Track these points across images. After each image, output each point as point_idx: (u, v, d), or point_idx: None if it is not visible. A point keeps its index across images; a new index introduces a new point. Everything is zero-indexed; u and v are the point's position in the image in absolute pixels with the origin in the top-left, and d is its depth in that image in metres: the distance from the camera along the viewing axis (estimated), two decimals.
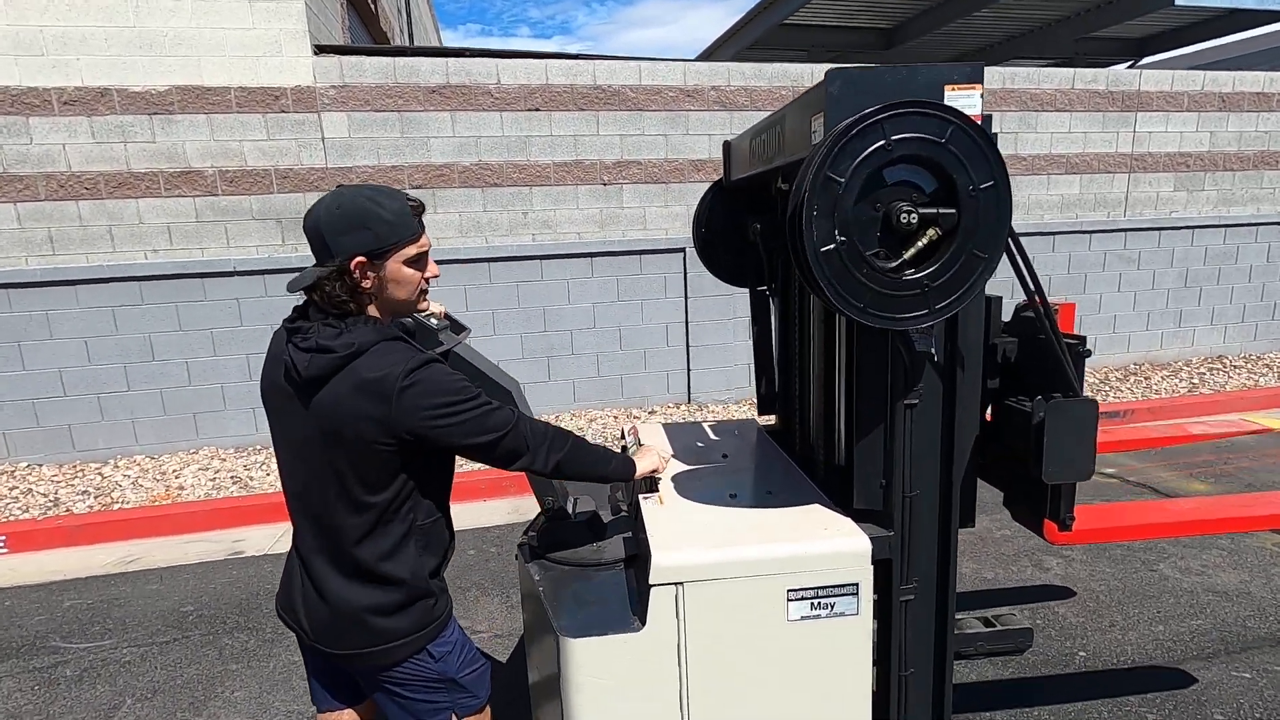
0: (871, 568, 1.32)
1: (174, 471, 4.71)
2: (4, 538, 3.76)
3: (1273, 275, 7.00)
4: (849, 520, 1.40)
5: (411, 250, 1.26)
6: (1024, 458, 1.37)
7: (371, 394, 1.18)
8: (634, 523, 1.62)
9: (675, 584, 1.28)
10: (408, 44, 11.12)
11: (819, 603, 1.30)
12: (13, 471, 4.77)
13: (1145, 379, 6.24)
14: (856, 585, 1.31)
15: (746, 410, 5.77)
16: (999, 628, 1.72)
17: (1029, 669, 2.42)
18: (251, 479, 4.54)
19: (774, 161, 1.54)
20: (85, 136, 4.90)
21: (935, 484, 1.38)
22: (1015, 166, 6.41)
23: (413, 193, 5.34)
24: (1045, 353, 1.38)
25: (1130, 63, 11.79)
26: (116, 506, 4.18)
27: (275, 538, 3.82)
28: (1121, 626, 2.65)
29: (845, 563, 1.30)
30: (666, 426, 2.13)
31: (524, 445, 1.31)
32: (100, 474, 4.71)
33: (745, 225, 2.04)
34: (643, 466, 1.56)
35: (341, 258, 1.20)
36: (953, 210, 1.14)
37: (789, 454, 1.87)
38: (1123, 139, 6.62)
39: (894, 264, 1.15)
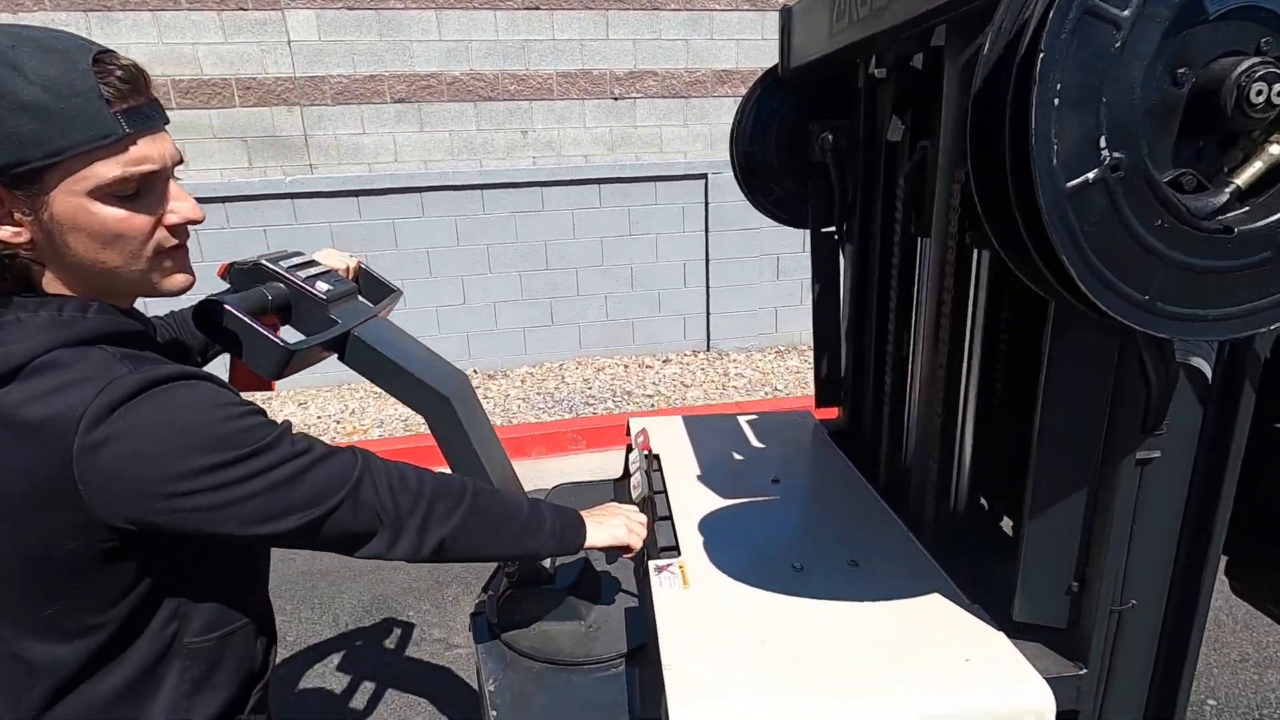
0: None
1: None
2: None
3: None
4: (1003, 640, 0.83)
5: (108, 169, 0.64)
6: None
7: (29, 458, 0.62)
8: (643, 601, 1.07)
9: None
10: None
11: None
12: None
13: None
14: None
15: (772, 360, 5.19)
16: None
17: None
18: None
19: (884, 20, 0.90)
20: None
21: (1163, 590, 0.80)
22: None
23: (394, 108, 4.64)
24: None
25: None
26: None
27: None
28: (1256, 663, 2.12)
29: None
30: (689, 422, 1.55)
31: (372, 521, 0.75)
32: None
33: (809, 137, 1.40)
34: (598, 537, 0.97)
35: None
36: None
37: (861, 468, 1.30)
38: None
39: (1221, 200, 0.53)
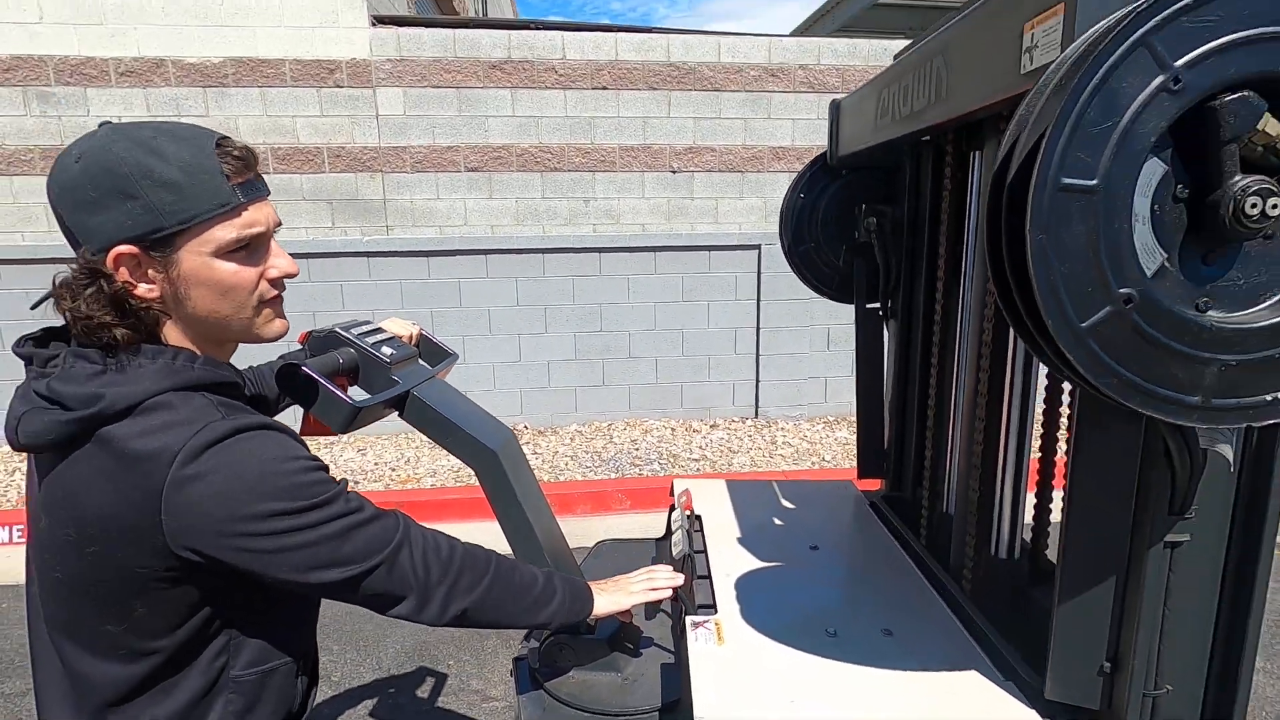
0: None
1: None
2: (22, 527, 3.57)
3: None
4: (1035, 718, 0.83)
5: (227, 232, 0.76)
6: None
7: (128, 485, 0.71)
8: (678, 658, 1.10)
9: None
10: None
11: None
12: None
13: None
14: None
15: (820, 431, 5.15)
16: None
17: None
18: None
19: (925, 118, 0.98)
20: (140, 108, 4.71)
21: (1201, 675, 0.80)
22: None
23: (467, 176, 4.96)
24: None
25: None
26: None
27: None
28: None
29: None
30: (732, 486, 1.59)
31: (405, 587, 0.82)
32: None
33: (855, 218, 1.48)
34: (606, 605, 1.04)
35: (93, 248, 0.72)
36: None
37: (900, 538, 1.31)
38: None
39: (1233, 296, 0.58)
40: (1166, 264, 0.57)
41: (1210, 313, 0.57)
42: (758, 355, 5.31)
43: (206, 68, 4.69)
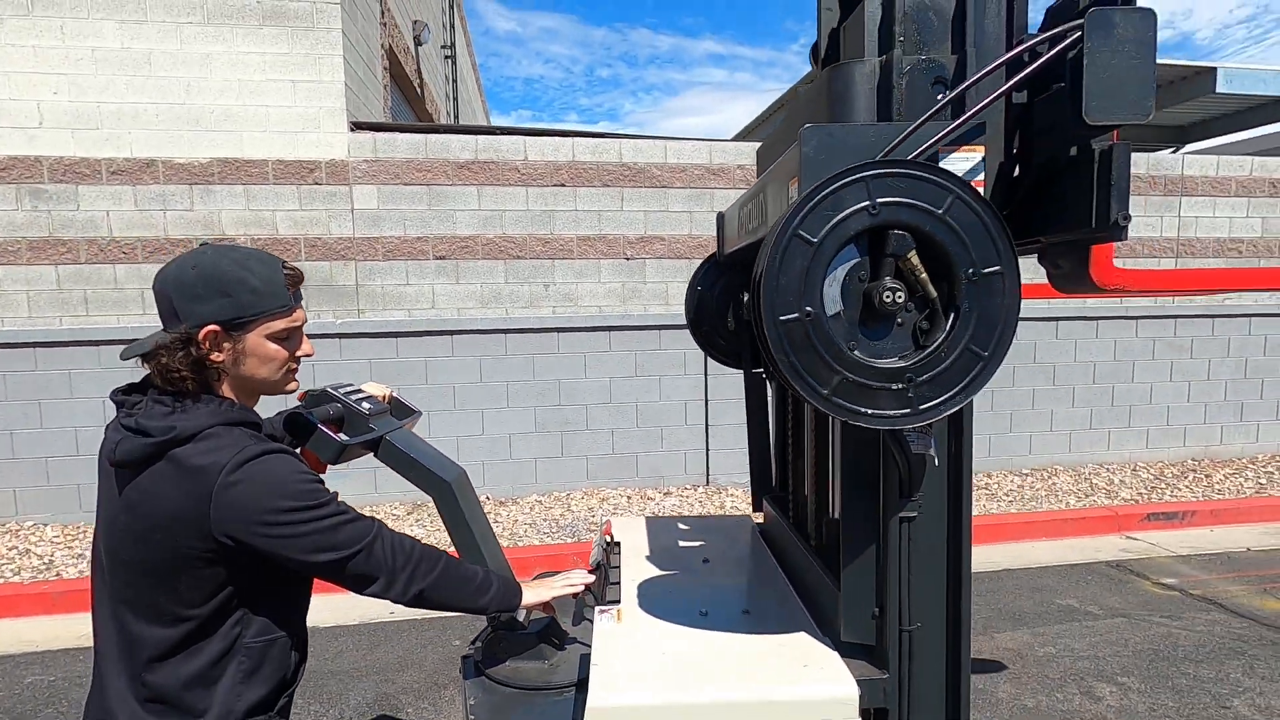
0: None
1: None
2: None
3: None
4: (836, 656, 1.15)
5: (280, 324, 1.12)
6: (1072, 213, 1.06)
7: (188, 488, 1.02)
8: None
9: None
10: (453, 122, 11.60)
11: None
12: (17, 530, 4.72)
13: (1206, 476, 5.75)
14: None
15: None
16: None
17: None
18: None
19: (758, 233, 1.39)
20: (129, 204, 5.07)
21: (942, 615, 1.14)
22: None
23: (435, 264, 5.38)
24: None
25: (1174, 149, 11.61)
26: None
27: None
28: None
29: (825, 712, 1.06)
30: (649, 520, 1.91)
31: (379, 568, 1.12)
32: None
33: (740, 302, 1.88)
34: (531, 597, 1.35)
35: (190, 325, 1.06)
36: (944, 284, 0.96)
37: (775, 552, 1.64)
38: (1167, 224, 6.37)
39: (871, 348, 0.96)
40: (841, 313, 0.95)
41: (855, 352, 0.95)
42: (707, 426, 5.68)
43: (194, 167, 5.11)
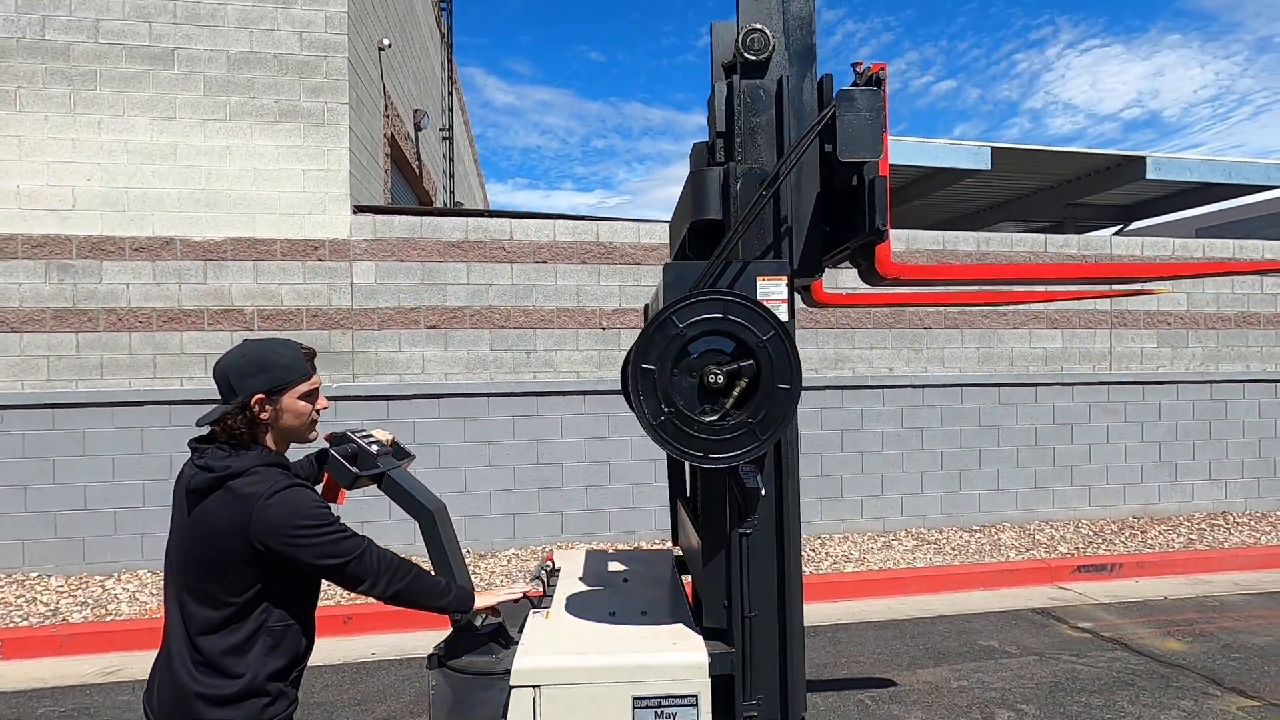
0: (709, 680, 1.48)
1: None
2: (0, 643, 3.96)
3: (1267, 431, 7.01)
4: (698, 637, 1.58)
5: (304, 387, 1.58)
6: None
7: (238, 508, 1.46)
8: None
9: (533, 686, 1.47)
10: (449, 198, 12.36)
11: (662, 712, 1.46)
12: (23, 580, 5.02)
13: (1142, 533, 6.15)
14: (695, 697, 1.47)
15: None
16: None
17: None
18: None
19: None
20: (147, 278, 5.59)
21: (773, 605, 1.58)
22: (996, 321, 6.76)
23: (426, 333, 5.89)
24: None
25: (1120, 227, 12.44)
26: (110, 618, 4.37)
27: None
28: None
29: (683, 674, 1.47)
30: (590, 552, 2.33)
31: (368, 572, 1.54)
32: (103, 586, 4.94)
33: None
34: (481, 602, 1.74)
35: (244, 395, 1.53)
36: (750, 361, 1.44)
37: (684, 573, 2.06)
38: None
39: (718, 416, 1.44)
40: (691, 396, 1.43)
41: (706, 418, 1.42)
42: None
43: (209, 245, 5.66)
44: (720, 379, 1.43)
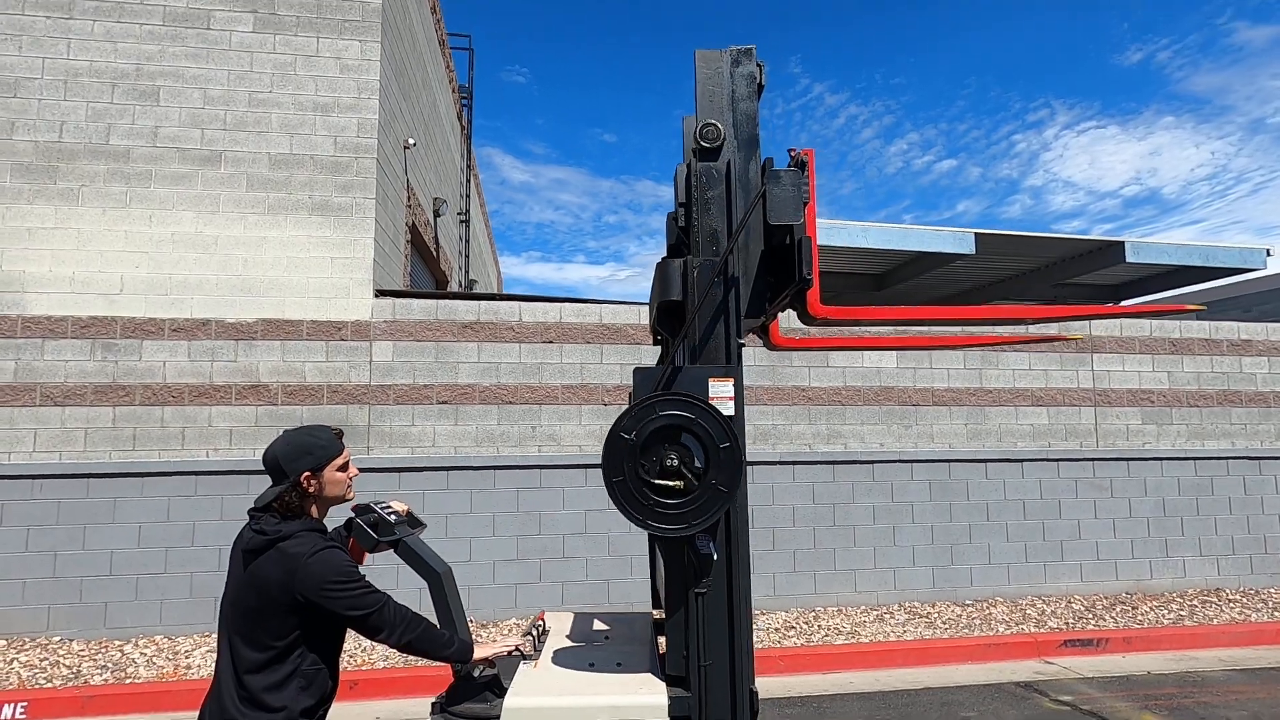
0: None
1: (185, 651, 5.13)
2: (26, 704, 4.17)
3: (1254, 508, 7.15)
4: (661, 684, 1.85)
5: (339, 461, 1.93)
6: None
7: (285, 565, 1.77)
8: None
9: None
10: (464, 276, 13.00)
11: None
12: (46, 644, 5.25)
13: (1133, 608, 6.24)
14: None
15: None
16: None
17: None
18: None
19: None
20: (183, 356, 6.04)
21: (725, 655, 1.85)
22: (983, 398, 7.05)
23: (438, 408, 6.26)
24: None
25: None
26: (128, 681, 4.58)
27: None
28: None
29: (648, 714, 1.74)
30: (577, 615, 2.61)
31: (386, 623, 1.84)
32: (121, 650, 5.15)
33: None
34: (480, 653, 2.02)
35: (294, 476, 1.87)
36: (702, 458, 1.78)
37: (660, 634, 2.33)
38: (1083, 376, 7.27)
39: (663, 492, 1.77)
40: (646, 470, 1.76)
41: (649, 492, 1.75)
42: None
43: (241, 326, 6.13)
44: (673, 462, 1.77)
